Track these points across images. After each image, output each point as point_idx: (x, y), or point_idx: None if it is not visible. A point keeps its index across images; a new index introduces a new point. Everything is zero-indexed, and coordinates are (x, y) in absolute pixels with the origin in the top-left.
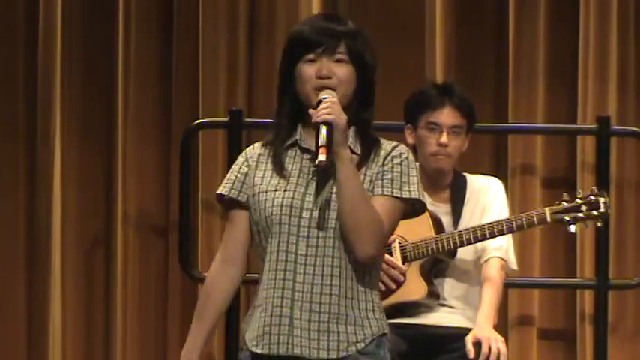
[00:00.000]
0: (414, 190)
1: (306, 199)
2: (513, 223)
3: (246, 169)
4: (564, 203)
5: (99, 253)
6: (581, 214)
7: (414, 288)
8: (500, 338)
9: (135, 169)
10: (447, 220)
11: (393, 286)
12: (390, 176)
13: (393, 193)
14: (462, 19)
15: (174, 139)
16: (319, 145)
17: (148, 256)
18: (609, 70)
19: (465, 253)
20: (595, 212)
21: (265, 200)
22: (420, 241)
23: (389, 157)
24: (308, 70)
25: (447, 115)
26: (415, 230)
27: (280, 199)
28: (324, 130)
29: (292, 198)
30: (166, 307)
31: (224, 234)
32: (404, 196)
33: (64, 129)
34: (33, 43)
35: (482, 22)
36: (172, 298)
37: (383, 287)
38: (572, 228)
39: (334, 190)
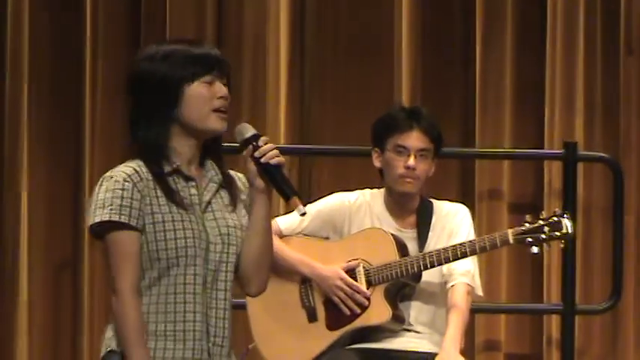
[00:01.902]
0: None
1: (209, 231)
2: (476, 245)
3: (138, 195)
4: (527, 224)
5: (66, 274)
6: (543, 235)
7: (379, 312)
8: None
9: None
10: (412, 246)
11: (358, 310)
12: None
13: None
14: (429, 44)
15: None
16: (292, 194)
17: None
18: (576, 96)
19: (430, 277)
20: (558, 233)
21: (174, 230)
22: (385, 265)
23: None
24: (205, 91)
25: (414, 139)
26: (379, 254)
27: (190, 231)
28: (281, 174)
29: (199, 230)
30: None
31: (121, 261)
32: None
33: (31, 147)
34: (1, 59)
35: (450, 48)
36: None
37: (347, 312)
38: (535, 249)
39: (228, 222)
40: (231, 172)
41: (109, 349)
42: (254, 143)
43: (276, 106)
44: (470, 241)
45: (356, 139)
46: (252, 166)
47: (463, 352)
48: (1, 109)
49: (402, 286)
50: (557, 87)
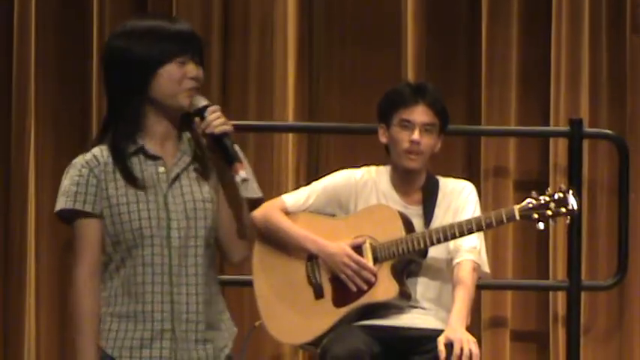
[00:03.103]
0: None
1: (171, 208)
2: (483, 221)
3: (94, 181)
4: (533, 201)
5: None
6: (549, 211)
7: (385, 289)
8: (473, 339)
9: None
10: (418, 223)
11: (365, 287)
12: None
13: (247, 195)
14: (435, 23)
15: None
16: (235, 160)
17: None
18: (581, 74)
19: (437, 253)
20: (563, 209)
21: (129, 212)
22: (391, 242)
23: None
24: (178, 71)
25: (420, 113)
26: (386, 231)
27: (146, 211)
28: (228, 142)
29: (158, 208)
30: None
31: (79, 248)
32: (251, 196)
33: (38, 135)
34: (7, 51)
35: (455, 25)
36: None
37: (354, 288)
38: (541, 225)
39: (195, 197)
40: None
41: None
42: (203, 115)
43: (284, 86)
44: (476, 217)
45: (363, 119)
46: (203, 139)
47: (469, 329)
48: (8, 95)
49: (408, 263)
50: (563, 64)
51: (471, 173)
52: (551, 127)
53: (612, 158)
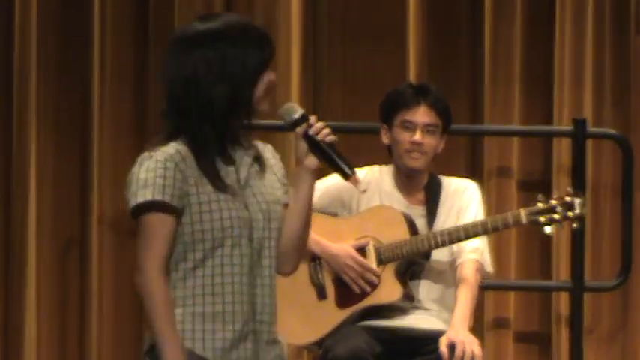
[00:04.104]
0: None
1: (251, 209)
2: (489, 224)
3: (180, 176)
4: (539, 204)
5: (74, 254)
6: (556, 216)
7: (389, 290)
8: (476, 341)
9: (110, 169)
10: (421, 223)
11: (368, 288)
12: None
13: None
14: (438, 23)
15: (150, 141)
16: (352, 172)
17: (123, 257)
18: (585, 73)
19: (440, 254)
20: (570, 213)
21: (215, 211)
22: (395, 243)
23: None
24: (271, 76)
25: (421, 114)
26: (389, 232)
27: (232, 210)
28: (338, 153)
29: (242, 209)
30: (141, 309)
31: (153, 240)
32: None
33: (40, 130)
34: (8, 45)
35: (459, 25)
36: None
37: (358, 290)
38: (548, 229)
39: (267, 199)
40: (259, 143)
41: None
42: (307, 122)
43: (287, 85)
44: (482, 221)
45: (366, 119)
46: (303, 145)
47: (472, 330)
48: (9, 89)
49: (411, 264)
50: (566, 64)
51: (474, 173)
52: (555, 127)
53: (616, 158)
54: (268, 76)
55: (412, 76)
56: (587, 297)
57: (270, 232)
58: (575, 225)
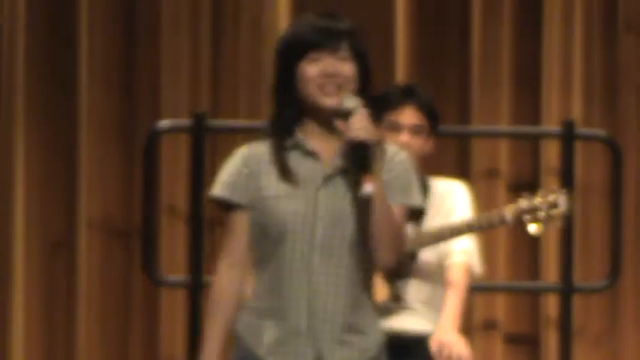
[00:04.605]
0: (418, 196)
1: (319, 205)
2: (474, 223)
3: (246, 171)
4: (525, 203)
5: (62, 257)
6: (541, 213)
7: (377, 291)
8: (464, 342)
9: (98, 172)
10: (409, 224)
11: None
12: (398, 183)
13: (403, 200)
14: (426, 23)
15: (137, 143)
16: (364, 171)
17: (111, 260)
18: (574, 74)
19: (428, 255)
20: (555, 211)
21: (277, 206)
22: None
23: (393, 163)
24: (311, 69)
25: (407, 115)
26: None
27: (294, 206)
28: (363, 151)
29: (306, 205)
30: (129, 310)
31: (226, 238)
32: (413, 203)
33: (27, 134)
34: None
35: (447, 25)
36: (135, 301)
37: None
38: (533, 228)
39: (347, 197)
40: (388, 147)
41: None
42: (348, 117)
43: None
44: (467, 220)
45: None
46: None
47: (461, 331)
48: None
49: (399, 265)
50: (555, 65)
51: (462, 175)
52: (544, 129)
53: (605, 160)
54: (304, 67)
55: (400, 76)
56: (576, 298)
57: (342, 231)
58: (559, 223)
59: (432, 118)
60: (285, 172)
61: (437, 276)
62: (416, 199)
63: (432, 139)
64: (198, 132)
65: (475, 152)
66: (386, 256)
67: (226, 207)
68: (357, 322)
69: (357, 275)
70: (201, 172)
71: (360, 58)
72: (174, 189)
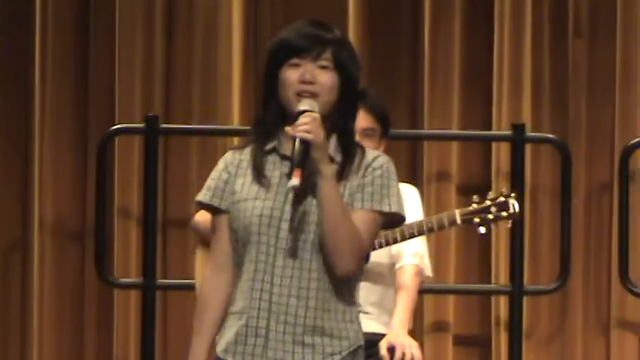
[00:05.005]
0: (394, 202)
1: (286, 209)
2: (424, 225)
3: (226, 176)
4: (474, 205)
5: (15, 258)
6: (490, 215)
7: None
8: (415, 344)
9: (51, 174)
10: None
11: None
12: (370, 189)
13: (373, 206)
14: (377, 27)
15: (91, 145)
16: (294, 166)
17: (64, 262)
18: (524, 78)
19: (379, 257)
20: (504, 213)
21: (245, 209)
22: None
23: (369, 168)
24: (291, 74)
25: (359, 118)
26: None
27: (260, 209)
28: (299, 148)
29: (272, 207)
30: (83, 312)
31: (211, 242)
32: (384, 210)
33: None
34: None
35: (398, 28)
36: (88, 303)
37: None
38: (482, 229)
39: (314, 202)
40: (367, 154)
41: None
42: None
43: (229, 88)
44: (418, 222)
45: None
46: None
47: (411, 333)
48: None
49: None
50: (505, 69)
51: (413, 178)
52: (494, 132)
53: (555, 162)
54: (285, 73)
55: None
56: (526, 300)
57: (307, 235)
58: (509, 225)
59: (384, 121)
60: (258, 176)
61: (388, 278)
62: (388, 206)
63: (384, 142)
64: (151, 134)
65: (426, 155)
66: (344, 261)
67: (210, 211)
68: (324, 325)
69: (326, 279)
70: (154, 175)
71: (343, 68)
72: (127, 191)
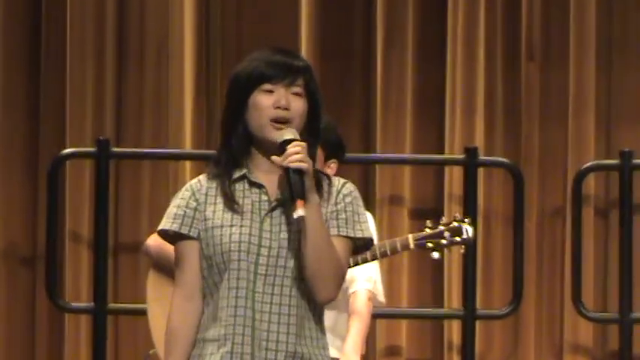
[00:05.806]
0: (365, 228)
1: (264, 235)
2: (377, 250)
3: (194, 204)
4: (427, 230)
5: None
6: (444, 240)
7: None
8: None
9: (2, 198)
10: None
11: None
12: (343, 216)
13: (347, 233)
14: (330, 51)
15: (42, 169)
16: (296, 197)
17: (15, 287)
18: (477, 101)
19: None
20: (458, 238)
21: (221, 235)
22: None
23: (340, 195)
24: (264, 99)
25: None
26: None
27: (237, 235)
28: (295, 178)
29: (250, 234)
30: (34, 337)
31: (177, 271)
32: (357, 235)
33: None
34: None
35: (350, 52)
36: (39, 327)
37: None
38: (436, 254)
39: (291, 228)
40: (334, 181)
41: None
42: (285, 148)
43: (180, 112)
44: (371, 247)
45: None
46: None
47: (364, 358)
48: None
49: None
50: (458, 93)
51: (366, 201)
52: (447, 156)
53: (507, 186)
54: (257, 98)
55: None
56: (478, 325)
57: (285, 262)
58: (462, 250)
59: (330, 146)
60: (231, 203)
61: (341, 303)
62: (361, 232)
63: (334, 165)
64: (102, 158)
65: (378, 179)
66: (327, 288)
67: (175, 239)
68: (303, 351)
69: (304, 305)
70: (105, 199)
71: (312, 96)
72: (78, 215)
